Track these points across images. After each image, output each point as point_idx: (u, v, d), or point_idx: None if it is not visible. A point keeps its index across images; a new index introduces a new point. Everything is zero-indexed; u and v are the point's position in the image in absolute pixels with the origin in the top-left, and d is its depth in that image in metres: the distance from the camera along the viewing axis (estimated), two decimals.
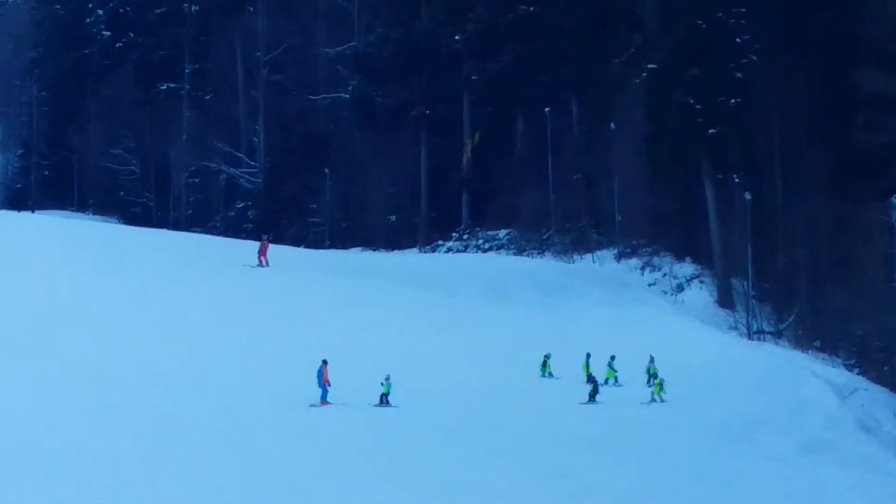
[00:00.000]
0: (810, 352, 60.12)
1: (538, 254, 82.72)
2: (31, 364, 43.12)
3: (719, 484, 36.57)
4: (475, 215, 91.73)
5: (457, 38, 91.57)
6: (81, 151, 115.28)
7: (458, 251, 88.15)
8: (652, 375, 48.44)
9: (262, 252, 65.20)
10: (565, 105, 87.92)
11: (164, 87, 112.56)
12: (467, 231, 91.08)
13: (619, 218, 77.92)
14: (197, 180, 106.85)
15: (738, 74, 70.55)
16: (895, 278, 60.88)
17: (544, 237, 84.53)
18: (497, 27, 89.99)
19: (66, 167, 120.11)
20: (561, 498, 34.15)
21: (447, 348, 52.46)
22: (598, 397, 45.82)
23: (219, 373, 44.89)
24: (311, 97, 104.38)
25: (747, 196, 65.00)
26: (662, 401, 45.85)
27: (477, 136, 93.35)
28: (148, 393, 40.95)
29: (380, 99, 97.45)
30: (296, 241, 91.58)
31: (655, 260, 74.86)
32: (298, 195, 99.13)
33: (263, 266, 64.47)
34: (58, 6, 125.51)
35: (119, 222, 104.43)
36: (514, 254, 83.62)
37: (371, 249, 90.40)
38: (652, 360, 49.00)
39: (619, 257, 77.06)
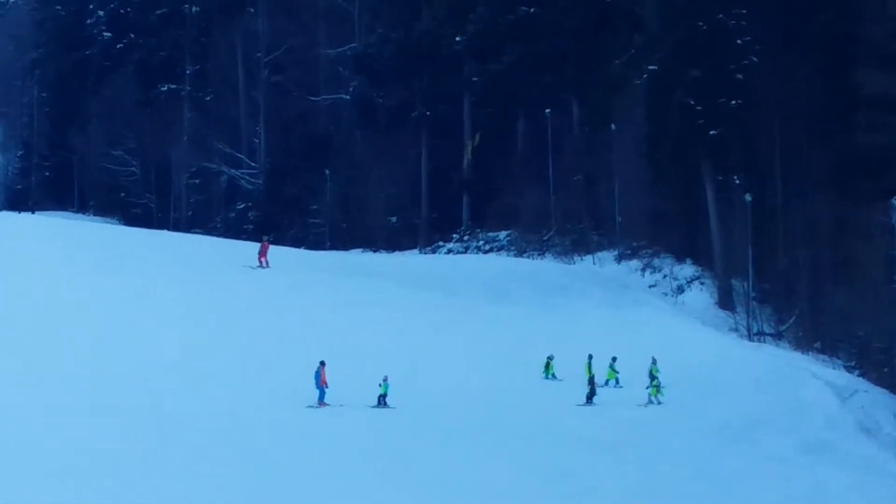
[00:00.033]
0: (811, 353, 60.12)
1: (538, 255, 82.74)
2: (31, 364, 43.12)
3: (719, 484, 36.57)
4: (475, 216, 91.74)
5: (457, 38, 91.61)
6: (82, 152, 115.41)
7: (458, 252, 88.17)
8: (655, 377, 48.39)
9: (262, 253, 65.19)
10: (566, 106, 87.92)
11: (165, 88, 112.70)
12: (468, 232, 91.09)
13: (620, 219, 77.92)
14: (197, 181, 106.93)
15: (739, 75, 70.55)
16: None
17: (545, 238, 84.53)
18: (498, 28, 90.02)
19: (66, 168, 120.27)
20: (561, 498, 34.13)
21: (447, 349, 52.45)
22: (595, 399, 45.77)
23: (219, 373, 44.89)
24: (312, 98, 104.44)
25: (748, 197, 65.00)
26: (659, 403, 45.82)
27: (477, 137, 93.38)
28: (148, 393, 40.94)
29: (380, 100, 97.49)
30: (296, 242, 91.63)
31: (656, 261, 74.86)
32: (299, 196, 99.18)
33: (264, 267, 64.47)
34: (58, 7, 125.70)
35: (119, 223, 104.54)
36: (515, 255, 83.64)
37: (371, 250, 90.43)
38: (654, 361, 48.96)
39: (619, 258, 77.05)
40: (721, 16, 70.71)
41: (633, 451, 39.44)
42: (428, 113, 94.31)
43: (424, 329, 55.80)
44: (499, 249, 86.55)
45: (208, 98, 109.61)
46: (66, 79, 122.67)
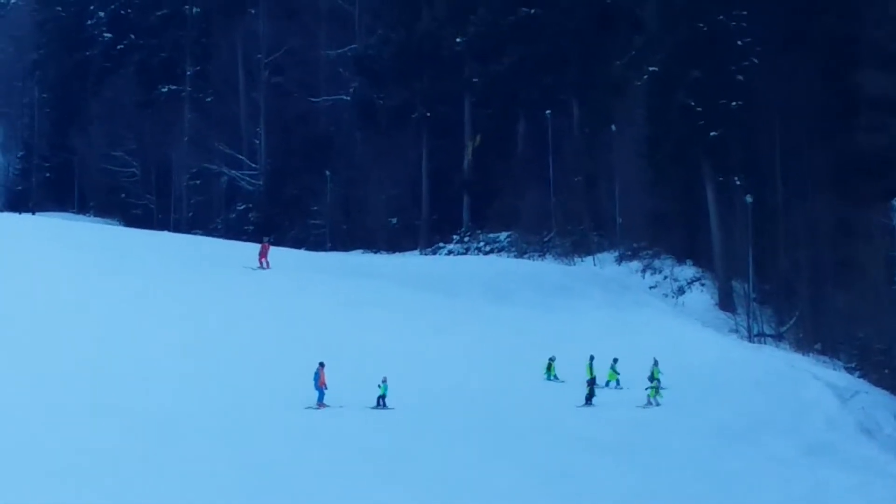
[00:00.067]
0: (811, 354, 60.11)
1: (539, 256, 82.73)
2: (31, 364, 43.12)
3: (720, 485, 36.55)
4: (476, 217, 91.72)
5: (458, 39, 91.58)
6: (82, 153, 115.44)
7: (458, 253, 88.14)
8: (656, 379, 48.36)
9: (262, 254, 65.16)
10: (566, 107, 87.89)
11: (166, 89, 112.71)
12: (468, 233, 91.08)
13: (620, 220, 77.91)
14: (198, 182, 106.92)
15: (740, 77, 70.55)
16: None
17: (545, 239, 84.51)
18: (498, 29, 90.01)
19: (67, 169, 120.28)
20: (561, 498, 34.11)
21: (448, 350, 52.41)
22: (594, 400, 45.73)
23: (219, 374, 44.88)
24: (312, 99, 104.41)
25: (748, 198, 64.99)
26: (658, 404, 45.78)
27: (478, 138, 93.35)
28: (148, 393, 40.95)
29: (381, 101, 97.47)
30: (297, 244, 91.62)
31: (656, 262, 74.85)
32: (299, 197, 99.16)
33: (264, 268, 64.45)
34: (59, 8, 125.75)
35: (120, 224, 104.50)
36: (515, 256, 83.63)
37: (372, 251, 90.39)
38: (656, 363, 48.92)
39: (619, 260, 77.03)
40: (721, 17, 70.73)
41: (634, 451, 39.43)
42: (428, 114, 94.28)
43: (425, 330, 55.77)
44: (499, 250, 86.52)
45: (209, 99, 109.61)
46: (66, 80, 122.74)
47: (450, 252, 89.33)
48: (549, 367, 49.78)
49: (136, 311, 52.54)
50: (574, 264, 78.58)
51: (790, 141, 69.02)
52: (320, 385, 42.44)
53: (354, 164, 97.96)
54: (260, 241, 68.73)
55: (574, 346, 52.97)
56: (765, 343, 63.19)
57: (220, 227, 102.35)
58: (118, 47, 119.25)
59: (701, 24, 70.82)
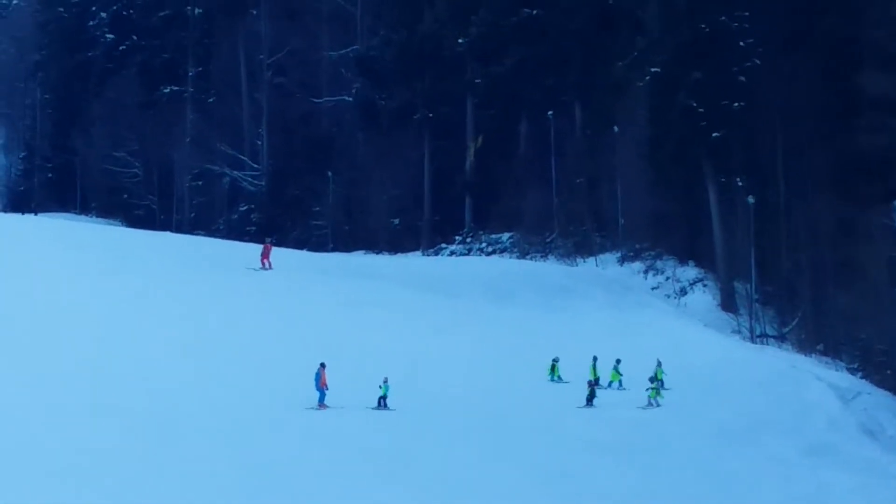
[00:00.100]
0: (813, 355, 60.13)
1: (541, 257, 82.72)
2: (32, 364, 43.11)
3: (721, 485, 36.54)
4: (478, 218, 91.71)
5: (460, 40, 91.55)
6: (84, 154, 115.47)
7: (460, 254, 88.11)
8: (659, 380, 48.37)
9: (264, 255, 65.14)
10: (568, 108, 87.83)
11: (168, 90, 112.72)
12: (470, 234, 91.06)
13: (622, 221, 77.89)
14: (200, 183, 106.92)
15: (741, 78, 70.58)
16: None
17: (547, 240, 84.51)
18: (500, 30, 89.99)
19: (69, 170, 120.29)
20: (562, 498, 34.10)
21: (449, 350, 52.37)
22: (595, 401, 45.68)
23: (220, 374, 44.86)
24: (315, 100, 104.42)
25: (750, 199, 64.98)
26: (658, 405, 45.74)
27: (480, 139, 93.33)
28: (149, 393, 40.92)
29: (383, 102, 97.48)
30: (299, 244, 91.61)
31: (658, 263, 74.84)
32: (301, 198, 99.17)
33: (266, 269, 64.43)
34: (61, 9, 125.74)
35: (122, 225, 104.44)
36: (517, 257, 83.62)
37: (374, 252, 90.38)
38: (659, 363, 48.93)
39: (622, 260, 77.00)
40: (723, 18, 70.78)
41: (635, 452, 39.41)
42: (430, 115, 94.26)
43: (426, 330, 55.75)
44: (501, 251, 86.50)
45: (211, 100, 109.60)
46: (68, 80, 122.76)
47: (452, 253, 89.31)
48: (552, 369, 49.71)
49: (137, 312, 52.54)
50: (576, 265, 78.56)
51: (792, 142, 69.07)
52: (321, 386, 42.38)
53: (356, 165, 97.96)
54: (262, 242, 68.74)
55: (576, 346, 52.95)
56: (767, 344, 63.17)
57: (222, 227, 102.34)
58: (120, 48, 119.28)
59: (702, 25, 70.88)
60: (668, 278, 72.93)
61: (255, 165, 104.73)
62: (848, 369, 58.19)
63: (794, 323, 65.35)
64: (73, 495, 30.07)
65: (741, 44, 70.75)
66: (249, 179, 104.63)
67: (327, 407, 42.00)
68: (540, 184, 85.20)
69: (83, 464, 32.30)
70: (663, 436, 41.67)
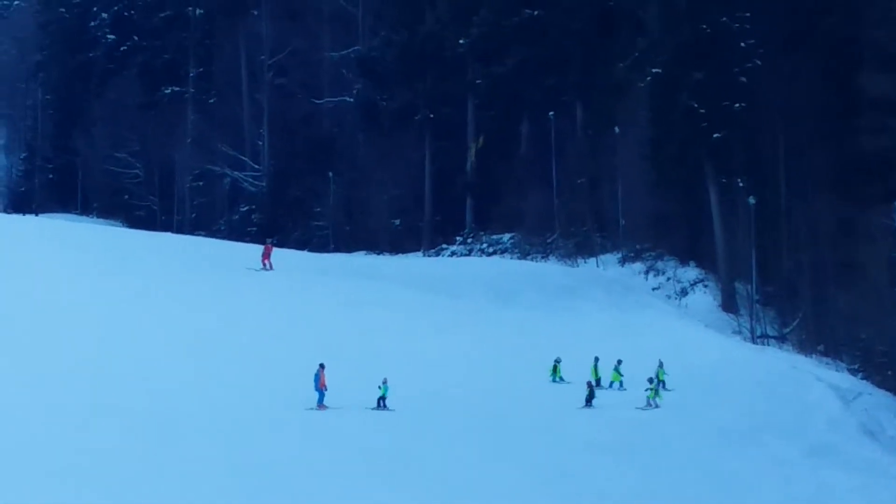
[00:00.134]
0: (814, 356, 60.13)
1: (542, 257, 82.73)
2: (33, 365, 43.14)
3: (722, 486, 36.54)
4: (479, 219, 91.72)
5: (461, 41, 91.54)
6: (86, 155, 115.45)
7: (461, 255, 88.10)
8: (661, 381, 48.40)
9: (265, 255, 65.15)
10: (570, 109, 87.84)
11: (169, 91, 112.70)
12: (471, 235, 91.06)
13: (623, 222, 77.87)
14: (201, 184, 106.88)
15: (742, 78, 70.56)
16: None
17: (548, 241, 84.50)
18: (501, 31, 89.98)
19: (70, 170, 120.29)
20: (562, 498, 34.11)
21: (450, 350, 52.37)
22: (594, 402, 45.66)
23: (220, 375, 44.87)
24: (316, 101, 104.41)
25: (751, 200, 64.99)
26: (657, 406, 45.72)
27: (481, 139, 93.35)
28: (149, 394, 40.96)
29: (384, 102, 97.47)
30: (300, 245, 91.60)
31: (659, 264, 74.85)
32: (302, 199, 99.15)
33: (267, 269, 64.44)
34: (62, 10, 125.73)
35: (123, 225, 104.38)
36: (518, 257, 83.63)
37: (375, 253, 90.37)
38: (661, 364, 48.94)
39: (622, 261, 77.01)
40: (724, 19, 70.74)
41: (636, 453, 39.40)
42: (431, 115, 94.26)
43: (427, 331, 55.75)
44: (502, 252, 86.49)
45: (212, 100, 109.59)
46: (69, 81, 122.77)
47: (453, 253, 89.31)
48: (554, 369, 49.68)
49: (137, 312, 52.55)
50: (577, 266, 78.55)
51: (793, 142, 69.11)
52: (320, 386, 42.39)
53: (357, 166, 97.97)
54: (263, 243, 68.76)
55: (577, 347, 52.93)
56: (767, 344, 63.16)
57: (223, 228, 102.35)
58: (121, 49, 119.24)
59: (703, 26, 70.86)
60: (668, 279, 72.94)
61: (256, 166, 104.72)
62: (848, 370, 58.18)
63: (794, 323, 65.35)
64: (73, 495, 30.11)
65: (742, 44, 70.73)
66: (250, 180, 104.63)
67: (326, 407, 42.01)
68: (541, 184, 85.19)
69: (83, 464, 32.34)
70: (664, 436, 41.66)
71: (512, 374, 49.56)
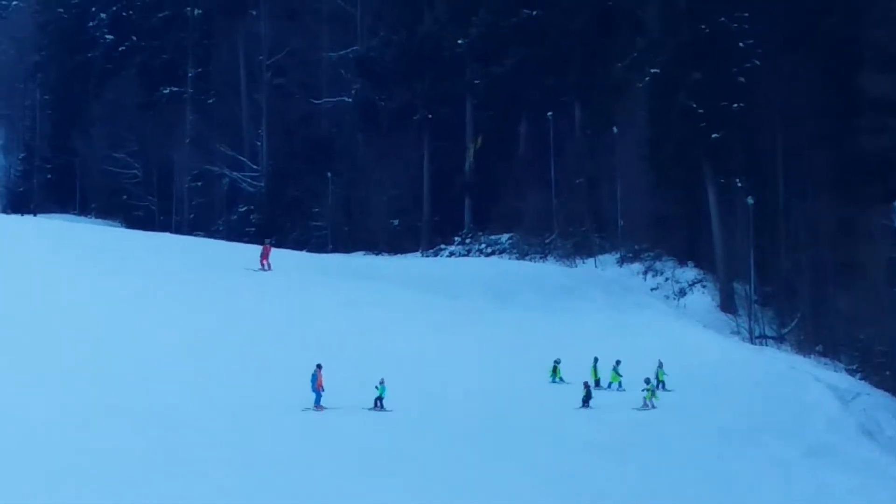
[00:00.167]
0: (812, 356, 60.13)
1: (540, 258, 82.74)
2: (33, 365, 43.11)
3: (721, 487, 36.51)
4: (477, 219, 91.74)
5: (460, 41, 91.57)
6: (84, 155, 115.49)
7: (460, 255, 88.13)
8: (661, 381, 48.41)
9: (264, 256, 65.13)
10: (568, 109, 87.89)
11: (167, 91, 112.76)
12: (469, 235, 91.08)
13: (622, 222, 77.92)
14: (199, 184, 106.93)
15: (741, 78, 70.59)
16: None
17: (547, 241, 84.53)
18: (500, 31, 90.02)
19: (68, 171, 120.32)
20: (562, 499, 34.10)
21: (448, 351, 52.32)
22: (591, 402, 45.64)
23: (219, 375, 44.82)
24: (314, 101, 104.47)
25: (750, 200, 65.02)
26: (653, 406, 45.70)
27: (480, 139, 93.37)
28: (148, 394, 40.94)
29: (382, 102, 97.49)
30: (298, 245, 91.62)
31: (658, 264, 74.87)
32: (301, 199, 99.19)
33: (266, 270, 64.42)
34: (61, 10, 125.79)
35: (121, 226, 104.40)
36: (517, 258, 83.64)
37: (374, 253, 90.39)
38: (660, 365, 48.95)
39: (621, 261, 77.03)
40: (723, 19, 70.78)
41: (635, 453, 39.38)
42: (430, 116, 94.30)
43: (426, 331, 55.71)
44: (501, 252, 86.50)
45: (210, 101, 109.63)
46: (68, 81, 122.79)
47: (451, 254, 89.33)
48: (554, 370, 49.64)
49: (137, 313, 52.52)
50: (575, 266, 78.57)
51: (791, 142, 69.11)
52: (318, 387, 42.35)
53: (356, 166, 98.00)
54: (261, 243, 68.75)
55: (576, 347, 52.93)
56: (766, 345, 63.17)
57: (221, 228, 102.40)
58: (120, 49, 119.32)
59: (702, 26, 70.89)
60: (667, 279, 72.96)
61: (255, 166, 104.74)
62: (847, 370, 58.20)
63: (793, 324, 65.37)
64: (73, 495, 30.12)
65: (741, 44, 70.76)
66: (249, 180, 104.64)
67: (324, 408, 41.97)
68: (539, 185, 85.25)
69: (82, 464, 32.34)
70: (663, 436, 41.65)
71: (511, 374, 49.52)
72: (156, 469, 32.76)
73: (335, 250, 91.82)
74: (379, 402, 42.71)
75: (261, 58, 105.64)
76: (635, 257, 76.70)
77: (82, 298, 53.67)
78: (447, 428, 40.61)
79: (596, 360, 49.20)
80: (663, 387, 48.22)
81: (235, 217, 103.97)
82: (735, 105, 70.04)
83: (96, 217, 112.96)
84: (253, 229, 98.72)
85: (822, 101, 68.01)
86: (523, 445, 39.04)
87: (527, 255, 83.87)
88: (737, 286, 68.43)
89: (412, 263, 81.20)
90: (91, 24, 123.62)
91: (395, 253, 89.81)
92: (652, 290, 72.30)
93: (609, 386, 48.87)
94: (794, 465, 39.60)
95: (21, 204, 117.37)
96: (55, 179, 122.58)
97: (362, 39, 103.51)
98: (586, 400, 45.56)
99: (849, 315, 61.39)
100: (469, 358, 51.59)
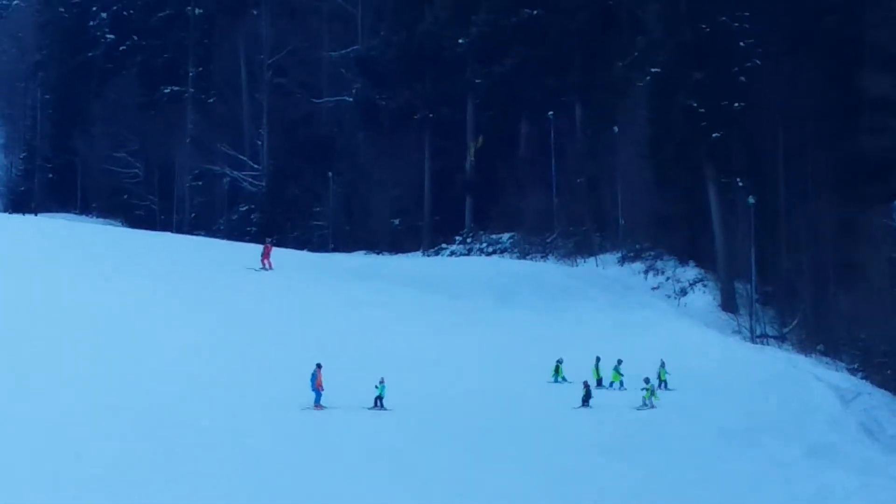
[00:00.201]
0: (814, 356, 60.07)
1: (541, 257, 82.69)
2: (34, 365, 43.10)
3: (722, 487, 36.50)
4: (478, 218, 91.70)
5: (460, 41, 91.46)
6: (85, 154, 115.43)
7: (461, 255, 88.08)
8: (663, 381, 48.42)
9: (265, 255, 65.17)
10: (569, 108, 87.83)
11: (168, 91, 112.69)
12: (470, 234, 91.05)
13: (623, 221, 77.84)
14: (200, 183, 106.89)
15: (742, 78, 70.51)
16: None
17: (548, 241, 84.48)
18: (501, 30, 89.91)
19: (69, 170, 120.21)
20: (562, 499, 34.12)
21: (449, 350, 52.34)
22: (591, 401, 45.64)
23: (219, 375, 44.84)
24: (315, 100, 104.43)
25: (751, 200, 64.95)
26: (653, 406, 45.70)
27: (480, 139, 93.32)
28: (148, 394, 40.95)
29: (383, 102, 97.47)
30: (299, 245, 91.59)
31: (659, 263, 74.81)
32: (302, 198, 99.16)
33: (266, 269, 64.45)
34: (61, 9, 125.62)
35: (122, 225, 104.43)
36: (518, 257, 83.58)
37: (374, 253, 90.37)
38: (663, 364, 48.97)
39: (622, 261, 76.96)
40: (724, 18, 70.73)
41: (635, 452, 39.39)
42: (431, 115, 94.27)
43: (427, 331, 55.73)
44: (501, 252, 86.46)
45: (211, 100, 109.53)
46: (69, 81, 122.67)
47: (452, 253, 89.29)
48: (556, 370, 49.64)
49: (137, 312, 52.54)
50: (576, 265, 78.53)
51: (792, 142, 69.09)
52: (317, 386, 42.38)
53: (357, 166, 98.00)
54: (262, 242, 68.75)
55: (577, 347, 52.94)
56: (767, 344, 63.12)
57: (222, 228, 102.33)
58: (120, 48, 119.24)
59: (703, 26, 70.85)
60: (668, 278, 72.91)
61: (256, 166, 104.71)
62: (848, 370, 58.17)
63: (794, 323, 65.33)
64: (73, 495, 30.12)
65: (742, 44, 70.71)
66: (250, 180, 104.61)
67: (323, 408, 41.99)
68: (540, 184, 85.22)
69: (83, 464, 32.34)
70: (663, 436, 41.66)
71: (511, 374, 49.52)
72: (156, 469, 32.76)
73: (336, 250, 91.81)
74: (379, 402, 42.73)
75: (261, 57, 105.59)
76: (636, 257, 76.64)
77: (83, 298, 53.67)
78: (447, 428, 40.61)
79: (598, 359, 49.25)
80: (665, 386, 48.25)
81: (236, 216, 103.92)
82: (736, 105, 69.99)
83: (97, 216, 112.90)
84: (254, 229, 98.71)
85: (823, 101, 67.98)
86: (523, 445, 39.04)
87: (528, 254, 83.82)
88: (738, 285, 68.38)
89: (413, 263, 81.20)
90: (92, 23, 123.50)
91: (396, 252, 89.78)
92: (653, 289, 72.25)
93: (611, 385, 48.91)
94: (795, 464, 39.59)
95: (22, 203, 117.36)
96: (56, 179, 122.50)
97: (363, 39, 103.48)
98: (586, 399, 45.58)
99: (850, 314, 61.37)
100: (469, 357, 51.61)
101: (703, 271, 72.56)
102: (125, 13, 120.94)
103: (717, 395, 48.25)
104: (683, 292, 71.25)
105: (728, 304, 68.58)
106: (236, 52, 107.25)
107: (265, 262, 64.74)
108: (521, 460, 37.21)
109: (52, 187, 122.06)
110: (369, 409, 42.53)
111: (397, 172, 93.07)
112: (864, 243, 61.55)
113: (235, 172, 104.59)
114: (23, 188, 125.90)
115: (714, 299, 69.99)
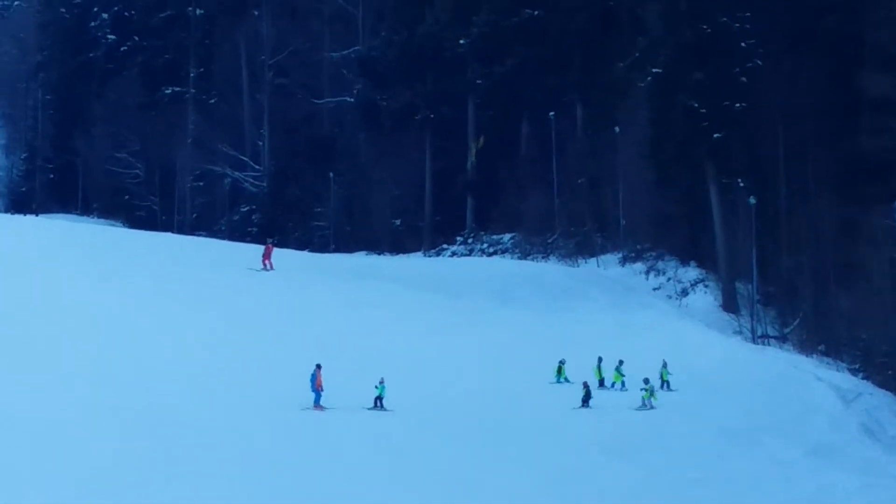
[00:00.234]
0: (815, 356, 60.06)
1: (542, 258, 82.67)
2: (35, 366, 43.10)
3: (724, 487, 36.51)
4: (479, 219, 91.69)
5: (461, 41, 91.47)
6: (86, 155, 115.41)
7: (462, 255, 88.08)
8: (665, 381, 48.41)
9: (266, 256, 65.11)
10: (570, 109, 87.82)
11: (169, 91, 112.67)
12: (472, 235, 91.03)
13: (624, 222, 77.81)
14: (201, 184, 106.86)
15: (743, 78, 70.47)
16: None
17: (549, 241, 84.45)
18: (501, 31, 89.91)
19: (70, 171, 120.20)
20: (563, 499, 34.11)
21: (450, 351, 52.34)
22: (591, 402, 45.62)
23: (220, 375, 44.84)
24: (316, 101, 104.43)
25: (752, 200, 64.96)
26: (652, 406, 45.68)
27: (481, 139, 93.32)
28: (149, 394, 40.96)
29: (384, 102, 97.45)
30: (300, 245, 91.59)
31: (660, 264, 74.77)
32: (303, 199, 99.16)
33: (268, 270, 64.41)
34: (63, 10, 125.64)
35: (123, 226, 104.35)
36: (519, 258, 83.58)
37: (376, 253, 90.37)
38: (665, 364, 48.96)
39: (623, 261, 76.94)
40: (725, 19, 70.68)
41: (636, 452, 39.40)
42: (432, 115, 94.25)
43: (428, 331, 55.73)
44: (503, 252, 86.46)
45: (212, 101, 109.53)
46: (70, 81, 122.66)
47: (453, 253, 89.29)
48: (559, 370, 49.64)
49: (138, 313, 52.52)
50: (577, 266, 78.51)
51: (794, 142, 69.06)
52: (317, 387, 42.38)
53: (358, 166, 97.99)
54: (263, 243, 68.72)
55: (578, 347, 52.92)
56: (768, 344, 63.12)
57: (223, 228, 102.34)
58: (122, 49, 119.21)
59: (704, 26, 70.80)
60: (669, 279, 72.87)
61: (257, 166, 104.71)
62: (849, 370, 58.15)
63: (795, 323, 65.31)
64: (73, 495, 30.09)
65: (742, 44, 70.67)
66: (251, 180, 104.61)
67: (323, 408, 41.99)
68: (541, 184, 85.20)
69: (83, 464, 32.32)
70: (664, 436, 41.66)
71: (512, 374, 49.53)
72: (156, 468, 32.75)
73: (337, 250, 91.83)
74: (379, 402, 42.74)
75: (263, 58, 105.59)
76: (637, 257, 76.61)
77: (84, 298, 53.64)
78: (447, 428, 40.62)
79: (600, 359, 49.27)
80: (668, 386, 48.24)
81: (237, 217, 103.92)
82: (737, 105, 69.96)
83: (98, 217, 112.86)
84: (255, 229, 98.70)
85: (823, 101, 67.95)
86: (523, 445, 39.05)
87: (529, 254, 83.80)
88: (739, 286, 68.37)
89: (414, 263, 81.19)
90: (93, 23, 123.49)
91: (397, 253, 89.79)
92: (654, 289, 72.22)
93: (612, 386, 48.92)
94: (795, 464, 39.62)
95: (23, 204, 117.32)
96: (57, 179, 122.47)
97: (364, 39, 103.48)
98: (586, 400, 45.59)
99: (851, 315, 61.34)
100: (470, 358, 51.61)
101: (704, 272, 72.52)
102: (126, 14, 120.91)
103: (717, 395, 48.26)
104: (684, 293, 71.23)
105: (729, 304, 68.57)
106: (237, 53, 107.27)
107: (266, 262, 64.70)
108: (521, 460, 37.21)
109: (53, 188, 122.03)
110: (369, 409, 42.54)
111: (398, 173, 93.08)
112: (864, 243, 61.52)
113: (236, 173, 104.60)
114: (24, 189, 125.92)
115: (715, 300, 69.97)
